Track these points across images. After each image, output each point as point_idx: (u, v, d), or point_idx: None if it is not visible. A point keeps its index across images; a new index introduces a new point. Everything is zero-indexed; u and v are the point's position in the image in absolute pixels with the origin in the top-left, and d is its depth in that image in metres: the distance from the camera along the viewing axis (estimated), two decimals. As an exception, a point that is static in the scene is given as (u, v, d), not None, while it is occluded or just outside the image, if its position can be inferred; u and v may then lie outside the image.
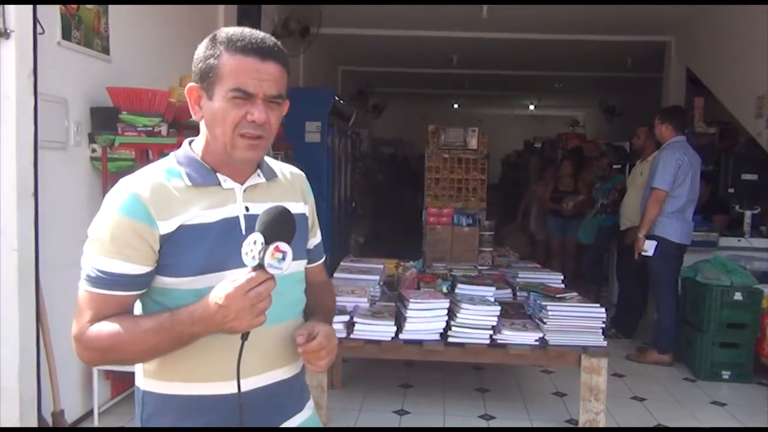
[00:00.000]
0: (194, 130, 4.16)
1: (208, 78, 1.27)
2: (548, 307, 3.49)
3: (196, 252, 1.25)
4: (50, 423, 3.07)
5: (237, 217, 1.30)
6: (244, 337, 1.20)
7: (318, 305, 1.48)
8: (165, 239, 1.25)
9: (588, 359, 3.40)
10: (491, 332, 3.44)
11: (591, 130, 14.12)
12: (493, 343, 3.43)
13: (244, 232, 1.27)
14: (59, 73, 3.22)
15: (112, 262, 1.25)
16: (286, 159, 6.19)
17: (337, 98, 6.77)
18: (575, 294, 3.80)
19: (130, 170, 3.56)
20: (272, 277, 1.15)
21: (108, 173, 3.47)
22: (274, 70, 1.27)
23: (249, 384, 1.28)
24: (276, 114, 1.29)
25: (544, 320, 3.48)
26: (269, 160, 1.44)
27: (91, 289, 1.27)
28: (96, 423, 3.46)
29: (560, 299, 3.66)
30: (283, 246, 1.15)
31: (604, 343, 3.45)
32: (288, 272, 1.21)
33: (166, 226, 1.25)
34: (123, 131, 3.38)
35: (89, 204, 3.50)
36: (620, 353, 4.93)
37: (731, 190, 5.36)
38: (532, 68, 10.17)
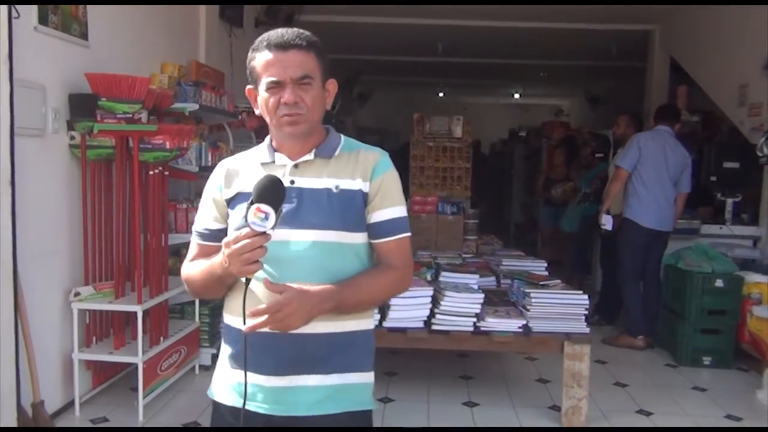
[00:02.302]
0: (175, 116, 4.13)
1: (253, 79, 1.54)
2: (531, 295, 3.51)
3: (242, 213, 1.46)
4: (30, 414, 3.04)
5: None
6: (247, 281, 1.41)
7: (349, 277, 1.52)
8: (228, 203, 1.58)
9: (571, 346, 3.41)
10: (475, 320, 3.45)
11: (575, 119, 14.14)
12: (477, 331, 3.44)
13: (285, 198, 1.46)
14: (36, 59, 3.16)
15: (199, 219, 1.64)
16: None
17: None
18: (558, 281, 3.82)
19: (109, 158, 3.56)
20: (259, 234, 1.33)
21: (87, 161, 3.42)
22: (295, 56, 1.47)
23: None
24: (310, 92, 1.49)
25: (528, 307, 3.50)
26: (344, 141, 1.61)
27: (191, 238, 1.67)
28: (77, 413, 3.43)
29: (543, 286, 3.68)
30: (265, 207, 1.32)
31: (587, 330, 3.47)
32: (308, 239, 1.48)
33: (228, 193, 1.58)
34: (102, 118, 3.33)
35: (68, 192, 3.46)
36: (603, 340, 4.98)
37: (713, 179, 5.42)
38: (516, 57, 10.14)
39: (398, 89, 14.49)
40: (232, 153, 4.82)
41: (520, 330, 3.45)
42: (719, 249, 4.87)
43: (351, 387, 1.56)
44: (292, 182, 1.53)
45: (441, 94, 15.17)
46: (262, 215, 1.33)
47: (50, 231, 3.36)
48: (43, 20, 3.15)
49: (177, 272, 4.11)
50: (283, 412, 1.51)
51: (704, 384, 4.23)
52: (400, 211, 1.58)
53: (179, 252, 4.39)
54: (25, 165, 3.06)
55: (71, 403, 3.48)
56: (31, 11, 3.08)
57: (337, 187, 1.53)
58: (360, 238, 1.56)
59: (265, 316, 1.36)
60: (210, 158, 4.30)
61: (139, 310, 3.38)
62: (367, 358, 1.61)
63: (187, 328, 3.99)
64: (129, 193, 3.58)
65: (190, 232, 4.26)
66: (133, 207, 3.55)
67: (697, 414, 3.73)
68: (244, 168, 1.60)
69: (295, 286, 1.40)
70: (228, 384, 1.58)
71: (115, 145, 3.39)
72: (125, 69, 3.72)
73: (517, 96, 15.27)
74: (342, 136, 1.63)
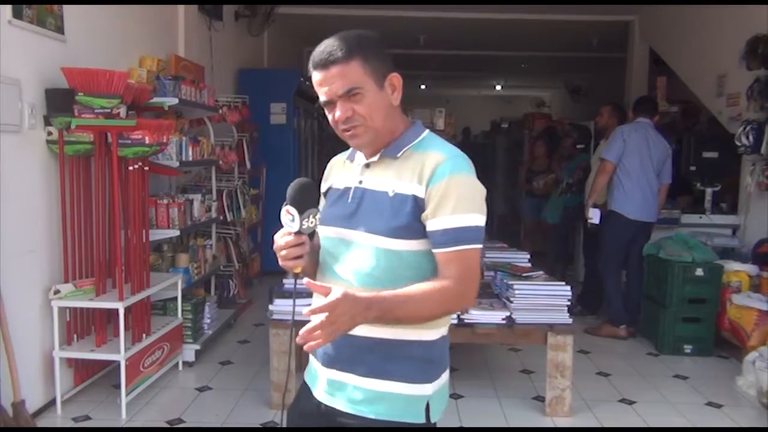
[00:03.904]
0: (154, 111, 4.08)
1: None
2: (515, 286, 3.52)
3: (325, 208, 1.61)
4: (10, 413, 3.00)
5: (350, 187, 1.57)
6: (295, 276, 1.48)
7: (397, 287, 1.43)
8: (323, 195, 1.66)
9: (554, 337, 3.44)
10: (459, 312, 3.45)
11: (557, 110, 14.21)
12: (461, 323, 3.45)
13: (349, 200, 1.54)
14: (11, 54, 3.10)
15: None
16: (251, 140, 6.12)
17: (302, 79, 6.69)
18: (541, 273, 3.83)
19: (88, 153, 3.51)
20: (292, 234, 1.42)
21: (65, 156, 3.37)
22: (337, 71, 1.44)
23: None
24: (363, 102, 1.46)
25: (511, 299, 3.51)
26: (419, 140, 1.54)
27: None
28: (59, 411, 3.40)
29: (526, 278, 3.69)
30: (291, 209, 1.41)
31: (570, 321, 3.49)
32: (359, 240, 1.49)
33: (324, 186, 1.67)
34: (80, 113, 3.28)
35: (47, 188, 3.41)
36: (586, 330, 5.02)
37: (693, 168, 5.48)
38: (498, 48, 10.17)
39: (380, 82, 14.44)
40: (213, 147, 4.83)
41: (504, 322, 3.47)
42: (699, 238, 4.92)
43: (392, 396, 1.49)
44: (360, 182, 1.54)
45: (423, 87, 15.16)
46: (290, 217, 1.41)
47: (28, 228, 3.31)
48: (17, 14, 3.09)
49: (159, 268, 4.13)
50: (329, 402, 1.55)
51: (685, 372, 4.28)
52: (463, 219, 1.43)
53: (161, 248, 4.36)
54: (2, 162, 3.03)
55: (53, 402, 3.44)
56: (4, 6, 3.02)
57: (393, 191, 1.48)
58: (412, 245, 1.47)
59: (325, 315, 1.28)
60: (191, 153, 4.27)
61: (120, 306, 3.34)
62: (417, 369, 1.50)
63: (170, 325, 3.96)
64: (108, 189, 3.54)
65: (172, 228, 4.23)
66: (113, 203, 3.51)
67: (678, 402, 3.77)
68: (339, 164, 1.67)
69: (340, 288, 1.30)
70: (309, 366, 1.66)
71: (94, 140, 3.35)
72: (103, 63, 3.67)
73: (498, 88, 15.32)
74: (423, 133, 1.55)
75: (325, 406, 1.55)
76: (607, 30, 8.39)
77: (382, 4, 7.58)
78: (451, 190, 1.43)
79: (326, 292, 1.29)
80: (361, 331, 1.43)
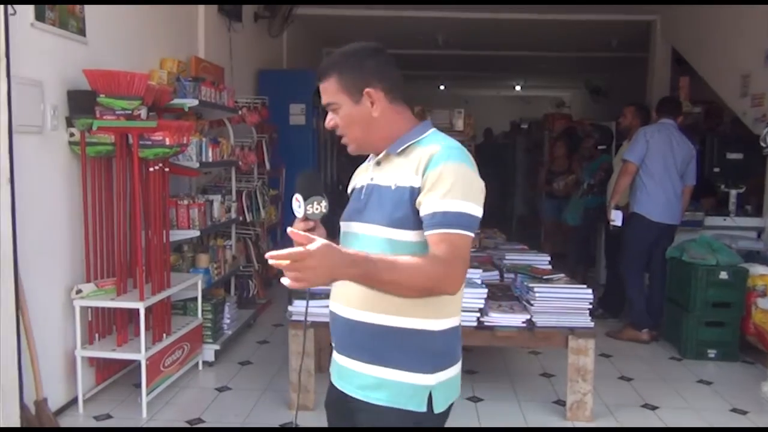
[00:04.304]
0: (174, 112, 4.11)
1: None
2: (535, 289, 3.48)
3: (347, 206, 1.70)
4: (33, 411, 3.03)
5: (363, 185, 1.66)
6: None
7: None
8: (349, 196, 1.75)
9: (575, 340, 3.39)
10: (478, 314, 3.43)
11: (577, 111, 14.10)
12: (481, 326, 3.42)
13: (362, 196, 1.64)
14: (34, 56, 3.13)
15: None
16: (271, 141, 6.13)
17: (321, 80, 6.68)
18: (562, 275, 3.79)
19: (109, 154, 3.54)
20: (302, 220, 1.56)
21: (87, 158, 3.40)
22: (326, 85, 1.60)
23: (333, 306, 1.65)
24: (342, 114, 1.60)
25: (531, 302, 3.47)
26: (423, 137, 1.60)
27: None
28: (81, 410, 3.42)
29: (547, 281, 3.65)
30: (298, 197, 1.56)
31: (591, 324, 3.45)
32: (366, 232, 1.58)
33: (350, 188, 1.76)
34: (101, 115, 3.31)
35: (69, 189, 3.43)
36: (607, 333, 4.97)
37: (716, 170, 5.39)
38: (517, 48, 10.10)
39: (399, 82, 14.41)
40: (233, 148, 4.85)
41: (524, 325, 3.43)
42: (723, 241, 4.84)
43: (393, 383, 1.55)
44: (372, 179, 1.64)
45: (442, 87, 15.13)
46: (297, 204, 1.56)
47: (51, 228, 3.34)
48: (40, 17, 3.12)
49: (179, 269, 4.15)
50: (342, 387, 1.64)
51: (709, 377, 4.21)
52: (453, 204, 1.45)
53: (181, 248, 4.38)
54: (25, 162, 3.05)
55: (74, 400, 3.46)
56: (27, 8, 3.05)
57: (395, 184, 1.55)
58: (412, 236, 1.52)
59: (287, 261, 1.26)
60: (210, 154, 4.28)
61: (141, 306, 3.36)
62: (412, 359, 1.55)
63: (190, 325, 3.97)
64: (129, 190, 3.56)
65: (192, 228, 4.26)
66: (133, 203, 3.53)
67: (702, 408, 3.71)
68: (363, 166, 1.75)
69: (322, 240, 1.29)
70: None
71: (115, 141, 3.37)
72: (124, 65, 3.70)
73: (518, 88, 15.23)
74: (428, 131, 1.61)
75: (339, 391, 1.65)
76: (627, 30, 8.30)
77: (401, 4, 7.56)
78: (443, 176, 1.48)
79: (308, 242, 1.27)
80: (366, 317, 1.55)
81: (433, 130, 1.62)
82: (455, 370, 1.62)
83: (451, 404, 1.64)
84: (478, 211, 1.49)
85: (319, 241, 1.27)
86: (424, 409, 1.55)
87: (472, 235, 1.48)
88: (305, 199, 1.55)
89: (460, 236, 1.45)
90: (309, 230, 1.53)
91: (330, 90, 1.59)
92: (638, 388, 3.97)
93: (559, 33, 8.88)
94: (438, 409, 1.57)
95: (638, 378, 4.15)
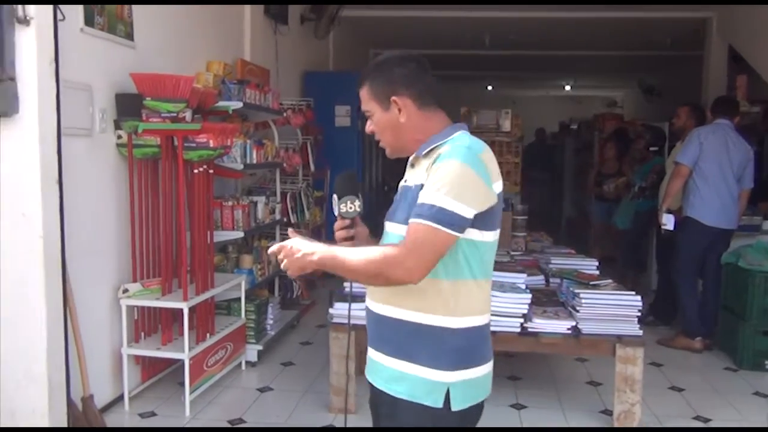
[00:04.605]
0: (220, 115, 4.15)
1: None
2: (581, 295, 3.39)
3: None
4: (80, 407, 3.10)
5: (401, 186, 1.72)
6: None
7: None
8: None
9: (623, 349, 3.29)
10: (522, 320, 3.36)
11: (629, 111, 13.75)
12: (524, 332, 3.35)
13: (397, 197, 1.71)
14: (83, 60, 3.20)
15: None
16: (316, 143, 6.16)
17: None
18: (610, 281, 3.68)
19: (155, 156, 3.60)
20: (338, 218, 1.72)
21: (134, 159, 3.46)
22: (361, 93, 1.71)
23: (367, 301, 1.73)
24: (374, 120, 1.70)
25: (577, 308, 3.38)
26: (448, 140, 1.62)
27: None
28: (126, 407, 3.49)
29: (594, 286, 3.55)
30: (335, 197, 1.69)
31: (640, 332, 3.34)
32: (392, 231, 1.66)
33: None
34: (147, 117, 3.36)
35: (116, 190, 3.51)
36: (658, 341, 4.80)
37: (776, 172, 5.16)
38: (566, 48, 9.90)
39: (445, 83, 14.26)
40: (277, 150, 4.88)
41: (569, 332, 3.34)
42: (782, 246, 4.63)
43: (412, 377, 1.61)
44: (405, 180, 1.72)
45: (489, 88, 14.97)
46: (334, 203, 1.69)
47: (100, 229, 3.41)
48: (89, 22, 3.19)
49: (224, 269, 4.20)
50: (372, 380, 1.71)
51: (766, 389, 4.02)
52: (433, 197, 1.50)
53: (226, 249, 4.43)
54: (75, 164, 3.12)
55: (121, 397, 3.53)
56: (77, 13, 3.13)
57: (414, 184, 1.63)
58: None
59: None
60: (255, 156, 4.31)
61: (184, 307, 3.41)
62: (430, 354, 1.60)
63: (234, 325, 4.01)
64: (174, 191, 3.61)
65: (236, 230, 4.31)
66: (178, 205, 3.58)
67: (758, 422, 3.54)
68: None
69: (297, 238, 1.61)
70: None
71: (161, 144, 3.42)
72: (171, 68, 3.76)
73: (568, 88, 14.95)
74: (455, 133, 1.64)
75: (371, 385, 1.72)
76: (682, 27, 8.04)
77: (447, 4, 7.50)
78: (439, 172, 1.53)
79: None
80: (390, 311, 1.64)
81: (461, 132, 1.64)
82: (481, 370, 1.65)
83: (477, 406, 1.66)
84: (465, 211, 1.50)
85: (293, 239, 1.61)
86: (440, 405, 1.58)
87: (449, 231, 1.50)
88: (339, 198, 1.67)
89: (429, 229, 1.49)
90: (347, 228, 1.70)
91: (364, 98, 1.70)
92: (690, 400, 3.82)
93: (610, 31, 8.67)
94: (456, 406, 1.59)
95: (690, 389, 4.00)
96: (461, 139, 1.60)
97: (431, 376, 1.59)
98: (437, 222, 1.48)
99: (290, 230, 1.71)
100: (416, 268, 1.50)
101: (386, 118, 1.67)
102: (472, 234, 1.56)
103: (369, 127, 1.73)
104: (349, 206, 1.68)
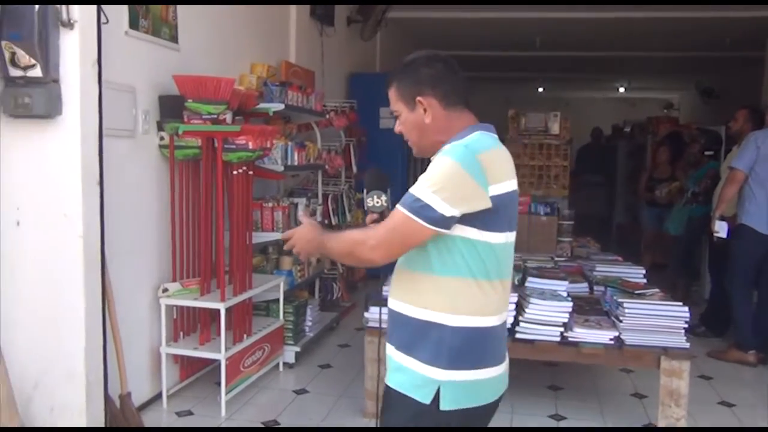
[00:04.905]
0: (262, 117, 4.17)
1: None
2: (625, 305, 3.28)
3: None
4: (117, 404, 3.15)
5: None
6: None
7: None
8: None
9: (668, 361, 3.16)
10: (562, 329, 3.26)
11: (686, 114, 13.32)
12: (564, 341, 3.26)
13: None
14: (127, 62, 3.26)
15: None
16: (359, 145, 6.15)
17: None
18: (656, 290, 3.55)
19: (196, 158, 3.64)
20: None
21: (175, 161, 3.50)
22: (390, 94, 1.74)
23: (388, 299, 1.76)
24: (401, 120, 1.74)
25: (621, 318, 3.27)
26: (462, 140, 1.63)
27: None
28: (164, 406, 3.54)
29: (639, 296, 3.43)
30: (364, 192, 1.80)
31: (687, 345, 3.20)
32: None
33: None
34: (188, 119, 3.40)
35: (158, 191, 3.56)
36: (709, 353, 4.61)
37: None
38: (620, 49, 9.65)
39: (495, 85, 14.16)
40: (319, 152, 4.88)
41: (612, 342, 3.23)
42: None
43: (409, 371, 1.65)
44: None
45: (540, 89, 14.73)
46: (363, 197, 1.80)
47: (141, 228, 3.47)
48: (133, 25, 3.25)
49: (263, 270, 4.22)
50: (387, 372, 1.75)
51: (825, 407, 3.82)
52: (416, 189, 1.57)
53: (266, 250, 4.45)
54: (118, 165, 3.18)
55: (159, 395, 3.58)
56: (122, 17, 3.18)
57: None
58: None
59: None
60: (296, 157, 4.32)
61: (222, 307, 3.43)
62: (430, 351, 1.62)
63: (271, 326, 4.02)
64: (214, 192, 3.64)
65: (276, 231, 4.31)
66: (218, 205, 3.61)
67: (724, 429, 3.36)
68: None
69: (310, 222, 1.76)
70: None
71: (201, 145, 3.46)
72: (215, 70, 3.79)
73: (622, 90, 14.58)
74: (472, 134, 1.64)
75: None
76: (742, 27, 7.72)
77: (497, 4, 7.39)
78: (430, 166, 1.61)
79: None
80: (397, 306, 1.70)
81: (479, 132, 1.65)
82: (478, 374, 1.64)
83: (476, 411, 1.65)
84: (443, 208, 1.53)
85: (304, 224, 1.75)
86: (427, 402, 1.60)
87: (423, 224, 1.54)
88: (367, 193, 1.77)
89: (404, 217, 1.56)
90: (376, 222, 1.73)
91: (392, 98, 1.73)
92: (740, 416, 3.65)
93: (666, 32, 8.40)
94: (445, 406, 1.60)
95: (741, 404, 3.81)
96: (471, 138, 1.62)
97: (425, 372, 1.62)
98: (413, 212, 1.55)
99: (300, 214, 1.78)
100: (378, 247, 1.59)
101: (412, 118, 1.70)
102: (468, 232, 1.57)
103: (397, 127, 1.76)
104: (375, 200, 1.75)
